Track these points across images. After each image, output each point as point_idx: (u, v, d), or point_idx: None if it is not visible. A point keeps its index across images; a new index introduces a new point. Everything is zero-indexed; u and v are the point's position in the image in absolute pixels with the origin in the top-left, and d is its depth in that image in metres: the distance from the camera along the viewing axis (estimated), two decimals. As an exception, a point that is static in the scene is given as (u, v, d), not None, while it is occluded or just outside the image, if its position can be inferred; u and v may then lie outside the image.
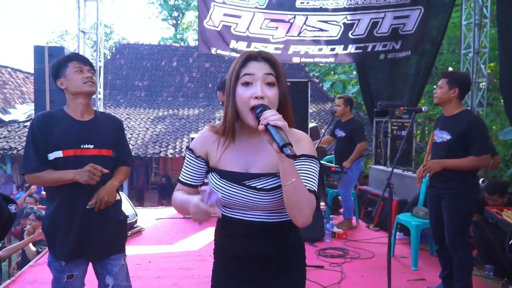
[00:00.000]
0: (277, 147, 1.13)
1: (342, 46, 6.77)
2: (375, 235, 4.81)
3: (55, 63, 2.15)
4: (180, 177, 1.48)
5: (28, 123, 9.53)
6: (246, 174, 1.36)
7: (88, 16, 6.58)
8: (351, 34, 6.68)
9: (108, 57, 16.90)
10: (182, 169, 1.48)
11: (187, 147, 1.49)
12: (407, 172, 5.32)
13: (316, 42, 6.79)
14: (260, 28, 6.72)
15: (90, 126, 2.13)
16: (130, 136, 11.09)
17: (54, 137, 2.04)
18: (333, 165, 4.58)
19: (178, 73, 15.15)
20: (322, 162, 4.64)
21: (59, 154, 2.05)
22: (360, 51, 6.75)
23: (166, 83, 14.82)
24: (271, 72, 1.33)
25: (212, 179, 1.41)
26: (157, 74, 15.01)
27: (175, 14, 25.67)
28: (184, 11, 25.36)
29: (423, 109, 3.14)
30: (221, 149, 1.41)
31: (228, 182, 1.36)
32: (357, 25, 6.72)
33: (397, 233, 4.37)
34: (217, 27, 6.50)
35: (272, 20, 6.73)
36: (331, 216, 5.36)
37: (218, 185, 1.38)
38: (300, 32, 6.77)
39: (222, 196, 1.36)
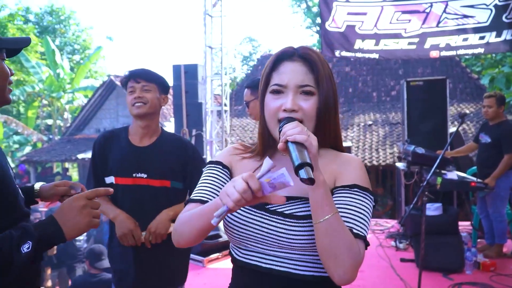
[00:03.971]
0: (293, 166, 0.87)
1: (494, 33, 5.59)
2: (538, 270, 3.74)
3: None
4: (191, 197, 1.13)
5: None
6: None
7: (216, 31, 6.82)
8: (506, 17, 5.47)
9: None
10: (196, 189, 1.14)
11: (207, 163, 1.19)
12: None
13: (459, 31, 5.77)
14: (390, 22, 6.02)
15: (147, 153, 1.96)
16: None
17: (109, 162, 1.97)
18: (474, 179, 3.71)
19: (318, 79, 14.93)
20: (461, 174, 3.81)
21: (111, 180, 1.96)
22: (520, 36, 5.48)
23: (305, 91, 14.74)
24: (307, 83, 1.03)
25: None
26: (296, 82, 15.06)
27: (319, 20, 25.62)
28: (327, 17, 25.14)
29: None
30: (248, 168, 1.12)
31: (245, 206, 1.01)
32: (514, 5, 5.49)
33: None
34: (340, 28, 6.07)
35: (404, 12, 5.98)
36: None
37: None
38: (439, 22, 5.85)
39: (237, 227, 1.04)
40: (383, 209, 9.24)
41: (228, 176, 1.14)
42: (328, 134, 1.08)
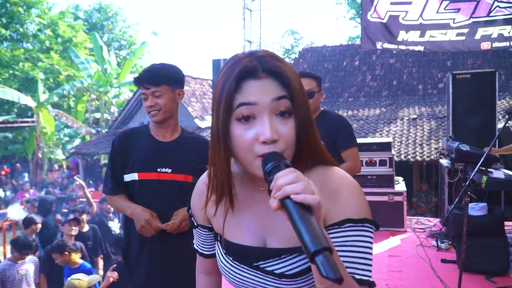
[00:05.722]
0: (305, 249, 0.64)
1: (551, 22, 5.24)
2: None
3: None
4: (196, 248, 1.11)
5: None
6: (260, 250, 0.91)
7: (255, 25, 6.82)
8: None
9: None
10: (195, 239, 1.12)
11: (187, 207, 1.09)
12: None
13: (512, 21, 5.44)
14: (437, 12, 5.76)
15: (171, 148, 1.95)
16: (307, 139, 11.18)
17: (131, 158, 1.94)
18: (522, 178, 3.49)
19: (360, 72, 14.60)
20: (509, 173, 3.60)
21: (134, 176, 1.93)
22: None
23: (347, 84, 14.45)
24: (284, 94, 0.81)
25: (217, 253, 0.99)
26: (338, 75, 14.80)
27: (363, 11, 24.95)
28: (372, 7, 24.45)
29: None
30: (222, 208, 0.94)
31: (235, 262, 0.93)
32: None
33: None
34: (382, 19, 5.87)
35: (452, 1, 5.69)
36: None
37: (224, 265, 0.96)
38: (490, 11, 5.54)
39: (235, 283, 0.96)
40: (427, 206, 8.93)
41: (207, 232, 1.04)
42: (310, 153, 0.88)
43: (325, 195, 0.81)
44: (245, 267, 0.92)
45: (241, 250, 0.93)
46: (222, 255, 0.97)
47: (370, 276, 0.82)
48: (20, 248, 4.19)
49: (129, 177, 1.93)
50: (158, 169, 1.91)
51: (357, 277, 0.81)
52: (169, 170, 1.91)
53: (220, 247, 0.98)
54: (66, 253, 4.05)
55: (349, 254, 0.82)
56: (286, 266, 0.88)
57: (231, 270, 0.94)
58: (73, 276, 3.54)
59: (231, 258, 0.94)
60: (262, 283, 0.91)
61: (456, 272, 3.56)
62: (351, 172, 2.51)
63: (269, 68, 0.81)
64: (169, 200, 1.92)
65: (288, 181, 0.68)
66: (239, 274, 0.93)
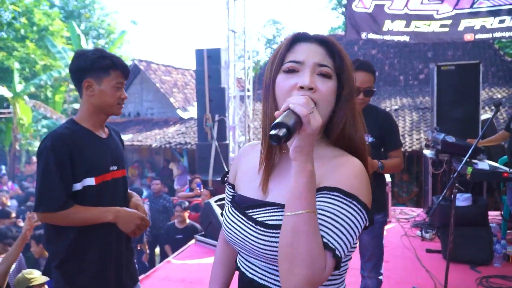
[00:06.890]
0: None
1: (532, 15, 5.30)
2: None
3: (89, 55, 1.72)
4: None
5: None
6: (257, 201, 0.98)
7: (239, 15, 6.70)
8: (545, -3, 5.16)
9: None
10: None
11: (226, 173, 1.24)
12: None
13: (495, 13, 5.49)
14: (422, 3, 5.76)
15: (111, 144, 1.84)
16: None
17: (85, 162, 1.68)
18: (506, 169, 3.53)
19: (343, 63, 14.63)
20: (493, 164, 3.64)
21: (91, 181, 1.69)
22: (560, 17, 5.17)
23: (330, 74, 14.48)
24: (326, 64, 0.92)
25: (225, 210, 1.10)
26: (321, 65, 14.81)
27: (345, 1, 24.95)
28: (353, -2, 24.45)
29: None
30: (248, 167, 1.07)
31: (232, 209, 1.03)
32: (555, -16, 5.17)
33: None
34: (368, 9, 5.84)
35: (436, -8, 5.70)
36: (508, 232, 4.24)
37: (225, 214, 1.05)
38: (473, 3, 5.57)
39: (226, 230, 1.03)
40: (408, 196, 9.06)
41: (231, 193, 1.12)
42: (339, 131, 0.94)
43: (331, 166, 0.90)
44: (236, 213, 1.00)
45: (239, 200, 1.03)
46: (227, 206, 1.07)
47: (338, 248, 0.81)
48: (3, 237, 4.01)
49: (80, 185, 1.68)
50: (110, 168, 1.79)
51: (324, 240, 0.81)
52: (116, 167, 1.82)
53: (229, 203, 1.07)
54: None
55: (327, 219, 0.83)
56: (266, 216, 0.93)
57: (226, 217, 1.03)
58: (27, 270, 3.31)
59: (232, 207, 1.03)
60: (243, 229, 0.96)
61: (441, 262, 3.62)
62: (398, 167, 2.60)
63: (319, 36, 0.95)
64: (124, 198, 1.86)
65: (295, 98, 0.81)
66: (232, 220, 1.00)
